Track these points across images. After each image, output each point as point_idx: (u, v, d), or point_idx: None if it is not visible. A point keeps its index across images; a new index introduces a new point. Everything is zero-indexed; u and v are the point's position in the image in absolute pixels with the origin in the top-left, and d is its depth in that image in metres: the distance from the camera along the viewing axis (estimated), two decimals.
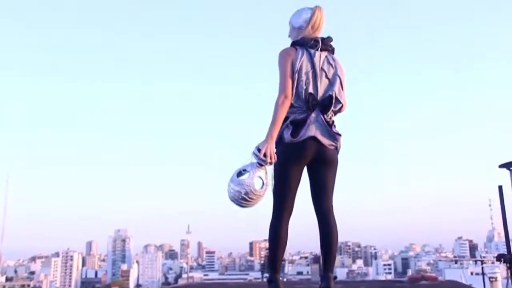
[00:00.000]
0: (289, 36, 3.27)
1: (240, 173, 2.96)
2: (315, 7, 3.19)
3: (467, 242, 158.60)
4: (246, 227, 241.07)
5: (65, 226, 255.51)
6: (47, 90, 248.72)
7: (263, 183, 2.96)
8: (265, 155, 2.90)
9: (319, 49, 3.10)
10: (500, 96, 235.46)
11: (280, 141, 2.99)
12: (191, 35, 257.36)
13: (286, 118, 3.02)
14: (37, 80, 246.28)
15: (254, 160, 2.96)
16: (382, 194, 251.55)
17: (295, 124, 3.00)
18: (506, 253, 3.62)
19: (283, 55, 3.05)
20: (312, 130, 3.00)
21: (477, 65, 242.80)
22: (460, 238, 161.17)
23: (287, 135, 2.99)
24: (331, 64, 3.12)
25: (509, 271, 3.57)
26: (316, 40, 3.10)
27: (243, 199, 2.94)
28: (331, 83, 3.08)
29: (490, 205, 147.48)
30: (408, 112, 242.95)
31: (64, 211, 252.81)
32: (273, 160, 2.93)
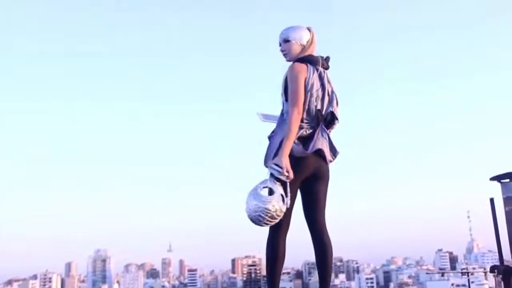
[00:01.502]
0: (283, 50, 3.28)
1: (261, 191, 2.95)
2: (310, 28, 3.29)
3: (447, 254, 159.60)
4: (227, 244, 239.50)
5: (42, 246, 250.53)
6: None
7: (283, 200, 2.97)
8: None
9: (325, 67, 3.21)
10: (479, 111, 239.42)
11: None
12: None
13: None
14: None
15: (270, 177, 2.97)
16: (362, 208, 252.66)
17: (303, 139, 3.07)
18: (498, 264, 3.69)
19: (298, 71, 3.10)
20: (319, 144, 3.10)
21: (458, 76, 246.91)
22: (440, 250, 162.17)
23: (296, 149, 3.04)
24: (329, 82, 3.22)
25: (502, 282, 3.68)
26: (323, 59, 3.22)
27: (271, 217, 2.92)
28: (330, 100, 3.18)
29: (468, 217, 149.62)
30: (384, 126, 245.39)
31: (41, 231, 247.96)
32: (292, 176, 2.97)
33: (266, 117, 3.50)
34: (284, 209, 2.97)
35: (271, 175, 2.99)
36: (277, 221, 2.97)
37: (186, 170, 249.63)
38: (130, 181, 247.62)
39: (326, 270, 3.12)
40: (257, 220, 2.93)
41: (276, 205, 2.91)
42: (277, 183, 2.97)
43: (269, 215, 2.90)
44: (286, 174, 2.94)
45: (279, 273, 3.22)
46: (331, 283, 3.14)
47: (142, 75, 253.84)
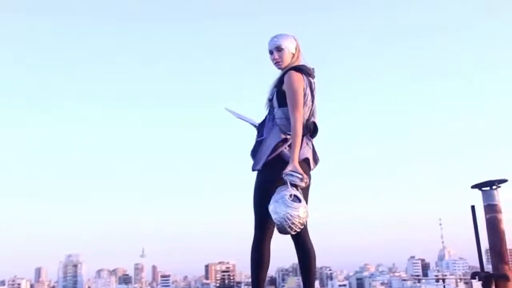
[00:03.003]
0: (276, 58, 3.28)
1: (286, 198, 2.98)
2: (295, 37, 3.34)
3: (419, 261, 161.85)
4: (201, 250, 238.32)
5: (11, 251, 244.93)
6: None
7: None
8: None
9: (313, 77, 3.27)
10: (454, 120, 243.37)
11: (279, 160, 3.10)
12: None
13: (286, 140, 3.13)
14: None
15: (289, 184, 3.00)
16: (335, 215, 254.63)
17: None
18: (470, 270, 3.76)
19: (300, 80, 3.15)
20: (305, 152, 3.18)
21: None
22: (412, 257, 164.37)
23: (287, 155, 3.09)
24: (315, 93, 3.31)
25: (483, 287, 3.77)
26: (313, 69, 3.29)
27: (301, 224, 2.97)
28: (313, 111, 3.26)
29: (440, 224, 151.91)
30: (359, 134, 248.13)
31: (10, 235, 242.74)
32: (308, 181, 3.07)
33: (239, 115, 3.53)
34: (308, 214, 3.03)
35: (290, 182, 3.00)
36: (303, 227, 3.01)
37: (160, 176, 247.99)
38: (103, 186, 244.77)
39: (309, 275, 3.20)
40: (289, 227, 2.94)
41: (306, 211, 2.98)
42: (296, 189, 3.00)
43: (301, 222, 2.95)
44: (306, 180, 3.01)
45: (264, 278, 3.27)
46: None
47: (119, 77, 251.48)
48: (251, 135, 3.37)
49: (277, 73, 3.31)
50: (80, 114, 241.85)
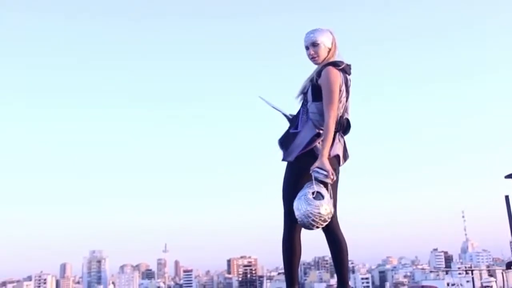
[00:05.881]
0: (311, 54, 3.27)
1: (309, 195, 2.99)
2: (331, 30, 3.32)
3: (442, 253, 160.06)
4: (223, 245, 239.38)
5: (37, 248, 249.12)
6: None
7: (332, 202, 3.06)
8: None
9: (349, 74, 3.26)
10: (476, 113, 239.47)
11: (311, 154, 3.11)
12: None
13: (319, 134, 3.14)
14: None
15: (315, 180, 3.01)
16: (357, 208, 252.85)
17: None
18: None
19: (337, 76, 3.15)
20: (336, 149, 3.19)
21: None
22: (435, 250, 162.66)
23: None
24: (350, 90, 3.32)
25: None
26: (349, 66, 3.28)
27: (324, 221, 2.99)
28: (347, 108, 3.26)
29: (463, 217, 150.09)
30: (378, 129, 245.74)
31: (36, 232, 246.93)
32: (335, 178, 3.06)
33: (272, 105, 3.52)
34: (333, 211, 3.05)
35: (315, 178, 3.02)
36: (327, 223, 3.03)
37: (181, 170, 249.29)
38: (125, 181, 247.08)
39: (342, 268, 3.22)
40: (310, 225, 2.98)
41: (328, 208, 2.99)
42: (322, 186, 3.02)
43: (322, 219, 2.97)
44: (332, 177, 3.01)
45: (297, 269, 3.30)
46: (325, 283, 3.20)
47: (134, 79, 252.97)
48: (278, 129, 3.36)
49: (310, 67, 3.30)
50: (103, 114, 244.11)
